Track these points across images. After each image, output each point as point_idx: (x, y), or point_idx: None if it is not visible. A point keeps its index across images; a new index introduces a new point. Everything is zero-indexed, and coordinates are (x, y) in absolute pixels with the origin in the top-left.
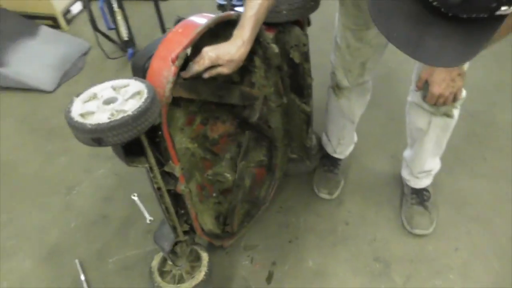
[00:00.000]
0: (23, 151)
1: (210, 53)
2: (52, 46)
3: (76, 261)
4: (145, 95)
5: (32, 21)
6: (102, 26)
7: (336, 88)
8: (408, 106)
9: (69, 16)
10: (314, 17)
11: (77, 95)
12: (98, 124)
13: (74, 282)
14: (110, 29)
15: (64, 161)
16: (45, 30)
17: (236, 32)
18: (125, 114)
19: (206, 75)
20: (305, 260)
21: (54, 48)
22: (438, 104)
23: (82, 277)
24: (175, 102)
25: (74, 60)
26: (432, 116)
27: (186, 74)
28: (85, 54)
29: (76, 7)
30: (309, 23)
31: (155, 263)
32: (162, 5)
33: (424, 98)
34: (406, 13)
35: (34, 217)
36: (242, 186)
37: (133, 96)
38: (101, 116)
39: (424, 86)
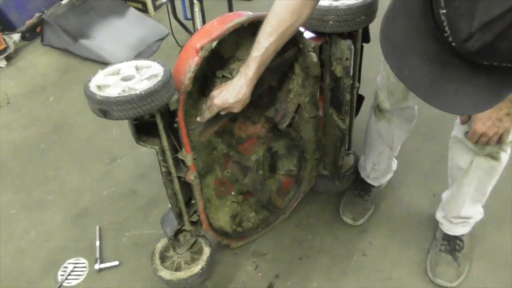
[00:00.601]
0: (82, 117)
1: (215, 101)
2: (135, 27)
3: (97, 227)
4: (159, 78)
5: (124, 2)
6: (181, 16)
7: (377, 109)
8: (451, 140)
9: (157, 3)
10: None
11: (102, 68)
12: (106, 97)
13: (90, 245)
14: (187, 19)
15: (114, 133)
16: (132, 12)
17: (242, 69)
18: (133, 93)
19: (223, 113)
20: (310, 281)
21: (136, 30)
22: (481, 143)
23: (97, 243)
24: (203, 93)
25: (150, 43)
26: (475, 156)
27: (203, 119)
28: (161, 39)
29: None
30: (367, 40)
31: (159, 245)
32: (244, 4)
33: (465, 134)
34: (423, 50)
35: (74, 179)
36: (262, 191)
37: (150, 77)
38: (113, 90)
39: (468, 121)
